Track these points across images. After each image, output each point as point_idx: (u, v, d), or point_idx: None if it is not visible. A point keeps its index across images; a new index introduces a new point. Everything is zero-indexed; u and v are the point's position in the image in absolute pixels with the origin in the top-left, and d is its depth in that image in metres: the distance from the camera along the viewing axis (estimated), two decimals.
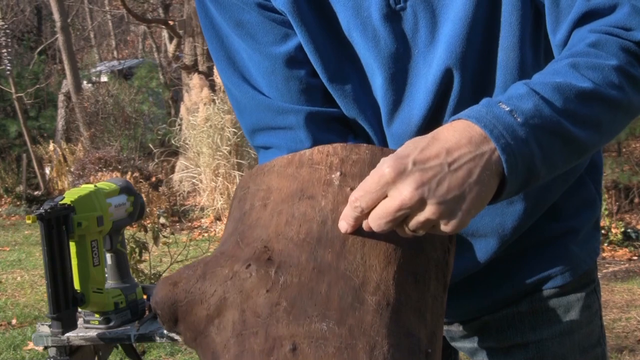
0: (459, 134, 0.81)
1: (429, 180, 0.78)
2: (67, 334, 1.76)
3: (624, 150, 7.46)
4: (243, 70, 1.08)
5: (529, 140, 0.82)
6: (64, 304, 1.70)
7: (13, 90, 10.44)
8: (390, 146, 1.06)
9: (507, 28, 0.99)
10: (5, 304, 5.12)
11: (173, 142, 8.94)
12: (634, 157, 7.22)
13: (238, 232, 0.88)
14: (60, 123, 12.03)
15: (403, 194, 0.78)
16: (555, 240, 1.13)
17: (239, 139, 7.89)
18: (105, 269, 1.84)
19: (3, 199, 9.93)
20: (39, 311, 4.81)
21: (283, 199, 0.87)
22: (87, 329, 1.82)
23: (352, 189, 0.85)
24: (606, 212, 6.10)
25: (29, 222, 1.69)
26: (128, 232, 4.07)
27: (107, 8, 17.03)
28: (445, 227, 0.81)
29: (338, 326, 0.78)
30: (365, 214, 0.81)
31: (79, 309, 1.78)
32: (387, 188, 0.79)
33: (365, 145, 0.90)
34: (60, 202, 1.70)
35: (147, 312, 1.88)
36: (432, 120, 1.03)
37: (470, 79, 1.01)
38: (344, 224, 0.83)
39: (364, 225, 0.83)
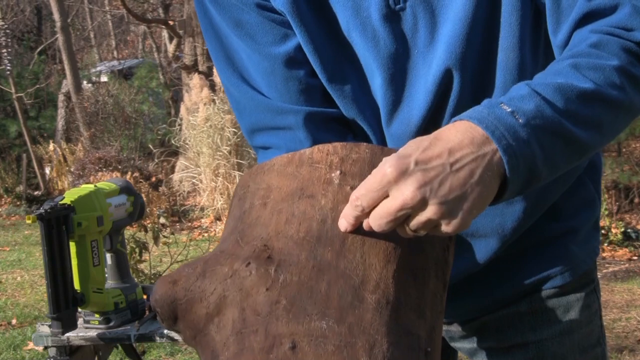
0: (461, 134, 0.81)
1: (431, 180, 0.78)
2: (67, 334, 1.76)
3: (624, 150, 7.46)
4: (242, 70, 1.08)
5: (531, 141, 0.82)
6: (64, 304, 1.70)
7: (13, 90, 10.44)
8: (390, 146, 1.06)
9: (507, 28, 0.99)
10: (5, 304, 5.12)
11: (173, 142, 8.94)
12: (634, 157, 7.22)
13: (238, 231, 0.88)
14: (60, 123, 12.03)
15: (405, 193, 0.78)
16: (555, 240, 1.13)
17: (239, 139, 7.89)
18: (105, 269, 1.85)
19: (3, 199, 9.93)
20: (39, 311, 4.81)
21: (283, 197, 0.87)
22: (87, 329, 1.82)
23: (352, 188, 0.85)
24: (606, 212, 6.10)
25: (29, 222, 1.69)
26: (128, 232, 4.07)
27: (107, 8, 17.03)
28: (447, 228, 0.81)
29: (338, 324, 0.78)
30: (365, 213, 0.81)
31: (79, 309, 1.78)
32: (388, 187, 0.79)
33: (365, 144, 0.90)
34: (60, 202, 1.70)
35: (147, 312, 1.88)
36: (431, 121, 1.03)
37: (470, 80, 1.01)
38: (344, 222, 0.83)
39: (364, 224, 0.83)
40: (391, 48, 1.02)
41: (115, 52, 19.76)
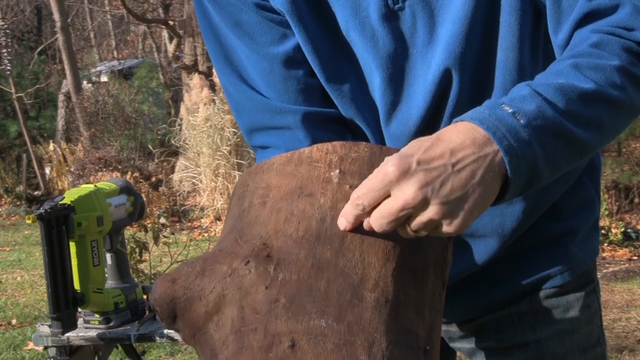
0: (462, 135, 0.81)
1: (432, 180, 0.78)
2: (67, 334, 1.76)
3: (624, 150, 7.46)
4: (241, 70, 1.08)
5: (532, 141, 0.82)
6: (64, 304, 1.71)
7: (13, 90, 10.44)
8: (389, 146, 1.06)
9: (507, 28, 0.99)
10: (5, 304, 5.12)
11: (173, 142, 8.94)
12: (634, 157, 7.22)
13: (237, 230, 0.88)
14: (60, 123, 12.03)
15: (406, 193, 0.78)
16: (554, 240, 1.13)
17: (239, 139, 7.89)
18: (105, 269, 1.85)
19: (3, 199, 9.93)
20: (39, 311, 4.81)
21: (282, 196, 0.87)
22: (87, 329, 1.82)
23: (351, 187, 0.86)
24: (606, 212, 6.10)
25: (29, 222, 1.69)
26: (128, 232, 4.07)
27: (107, 8, 17.03)
28: (448, 228, 0.81)
29: (337, 323, 0.78)
30: (366, 213, 0.81)
31: (79, 309, 1.78)
32: (390, 187, 0.79)
33: (364, 143, 0.90)
34: (60, 202, 1.70)
35: (147, 312, 1.88)
36: (430, 121, 1.03)
37: (469, 79, 1.01)
38: (344, 221, 0.83)
39: (365, 224, 0.83)
40: (390, 48, 1.02)
41: (115, 52, 19.76)
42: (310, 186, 0.87)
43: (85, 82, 12.86)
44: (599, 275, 1.23)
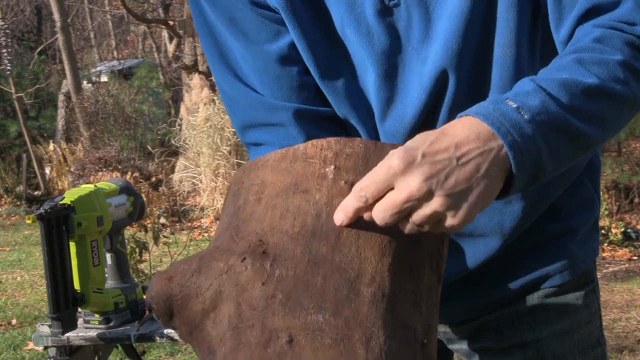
0: (467, 129, 0.81)
1: (437, 172, 0.79)
2: (67, 334, 1.76)
3: (624, 150, 7.46)
4: (235, 67, 1.09)
5: (536, 137, 0.83)
6: (64, 304, 1.71)
7: (13, 90, 10.44)
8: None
9: (504, 24, 0.99)
10: (5, 304, 5.12)
11: (173, 142, 8.95)
12: (634, 157, 7.22)
13: (233, 227, 0.88)
14: (60, 123, 12.04)
15: (411, 185, 0.78)
16: (554, 239, 1.13)
17: (239, 139, 7.89)
18: (105, 269, 1.85)
19: (3, 199, 9.93)
20: (39, 311, 4.81)
21: (277, 193, 0.87)
22: (87, 329, 1.82)
23: (346, 183, 0.86)
24: (606, 212, 6.10)
25: (29, 222, 1.70)
26: (128, 232, 4.07)
27: (107, 8, 17.03)
28: (452, 220, 0.81)
29: (334, 318, 0.78)
30: (368, 205, 0.81)
31: (79, 309, 1.78)
32: (394, 179, 0.79)
33: (359, 139, 0.90)
34: (60, 202, 1.70)
35: (147, 312, 1.88)
36: (426, 118, 1.03)
37: (466, 76, 1.01)
38: (341, 215, 0.83)
39: (366, 217, 0.83)
40: (385, 44, 1.02)
41: (115, 52, 19.76)
42: (305, 182, 0.87)
43: (85, 82, 12.87)
44: (599, 275, 1.23)
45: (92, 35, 18.90)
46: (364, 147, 0.89)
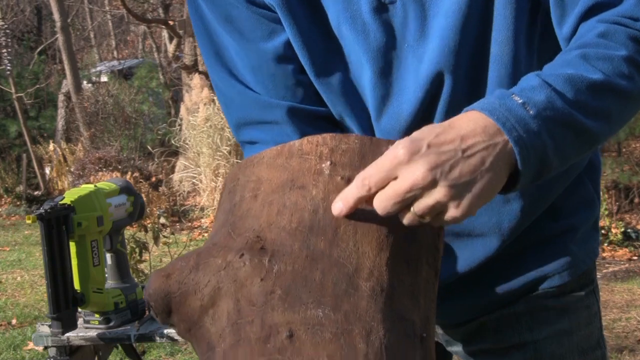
0: (473, 123, 0.82)
1: (442, 163, 0.79)
2: (67, 334, 1.76)
3: (624, 150, 7.46)
4: (231, 65, 1.09)
5: (542, 132, 0.83)
6: (64, 304, 1.71)
7: (13, 90, 10.45)
8: None
9: (502, 21, 0.99)
10: (5, 304, 5.12)
11: (173, 142, 8.95)
12: (634, 157, 7.22)
13: (229, 223, 0.88)
14: (60, 123, 12.04)
15: (416, 173, 0.78)
16: (554, 239, 1.13)
17: None
18: (105, 269, 1.85)
19: (3, 199, 9.93)
20: (39, 311, 4.81)
21: (273, 189, 0.87)
22: (87, 329, 1.82)
23: (342, 178, 0.86)
24: (606, 212, 6.10)
25: (29, 222, 1.70)
26: (128, 232, 4.07)
27: (107, 8, 17.03)
28: (454, 212, 0.80)
29: (333, 312, 0.78)
30: (370, 195, 0.81)
31: (79, 309, 1.78)
32: (399, 169, 0.79)
33: (354, 134, 0.91)
34: (60, 202, 1.70)
35: (147, 312, 1.88)
36: (423, 116, 1.03)
37: (464, 74, 1.01)
38: (340, 204, 0.82)
39: (366, 205, 0.82)
40: (381, 41, 1.01)
41: (115, 52, 19.76)
42: (301, 178, 0.87)
43: (85, 82, 12.87)
44: (598, 275, 1.23)
45: (92, 35, 18.90)
46: (360, 143, 0.89)
